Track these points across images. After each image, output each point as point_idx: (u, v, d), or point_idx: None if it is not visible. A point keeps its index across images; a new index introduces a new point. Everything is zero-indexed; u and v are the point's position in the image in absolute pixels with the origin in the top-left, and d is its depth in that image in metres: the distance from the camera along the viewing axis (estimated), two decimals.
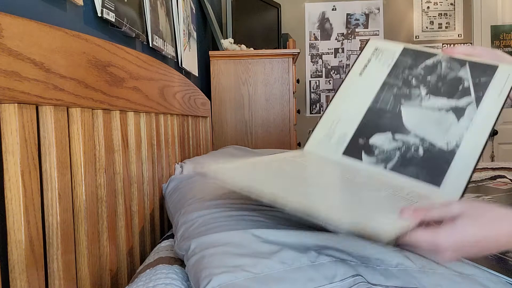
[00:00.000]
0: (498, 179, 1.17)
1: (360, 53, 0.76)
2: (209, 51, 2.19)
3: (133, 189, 0.86)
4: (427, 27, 3.57)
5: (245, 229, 0.60)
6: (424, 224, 0.48)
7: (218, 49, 2.32)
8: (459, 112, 0.63)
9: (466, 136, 0.61)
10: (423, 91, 0.67)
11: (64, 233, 0.57)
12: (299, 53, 2.23)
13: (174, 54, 1.56)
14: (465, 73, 0.66)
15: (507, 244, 0.46)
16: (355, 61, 0.75)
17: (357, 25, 3.60)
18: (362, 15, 3.59)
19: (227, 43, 2.25)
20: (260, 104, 2.22)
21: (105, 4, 0.90)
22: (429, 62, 0.70)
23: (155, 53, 1.35)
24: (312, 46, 3.61)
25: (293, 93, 2.24)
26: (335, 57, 3.61)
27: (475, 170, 0.58)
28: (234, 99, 2.22)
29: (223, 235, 0.59)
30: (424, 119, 0.65)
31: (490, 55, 0.70)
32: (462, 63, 0.68)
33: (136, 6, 1.12)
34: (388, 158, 0.64)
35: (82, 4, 0.83)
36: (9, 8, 0.60)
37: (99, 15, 0.88)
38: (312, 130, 0.71)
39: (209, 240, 0.58)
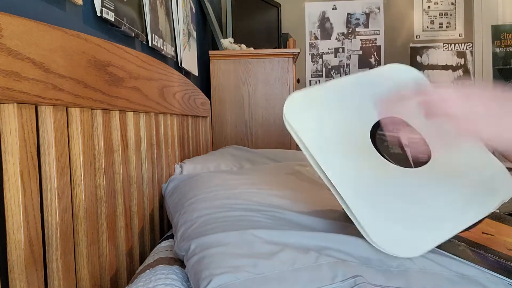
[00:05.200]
0: None
1: None
2: (209, 51, 2.19)
3: (133, 189, 0.86)
4: (427, 27, 3.57)
5: (245, 230, 0.59)
6: None
7: (218, 49, 2.32)
8: None
9: None
10: None
11: (64, 234, 0.57)
12: (299, 52, 2.23)
13: (173, 54, 1.56)
14: None
15: None
16: None
17: (357, 24, 3.60)
18: (362, 14, 3.59)
19: (227, 42, 2.24)
20: (260, 104, 2.21)
21: (105, 4, 0.90)
22: None
23: (155, 52, 1.34)
24: (312, 46, 3.61)
25: None
26: (335, 56, 3.61)
27: None
28: (234, 99, 2.22)
29: (223, 235, 0.59)
30: None
31: None
32: None
33: (136, 5, 1.11)
34: None
35: (82, 3, 0.83)
36: (9, 8, 0.60)
37: (99, 14, 0.88)
38: None
39: (209, 241, 0.58)
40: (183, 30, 1.71)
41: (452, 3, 3.55)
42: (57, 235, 0.55)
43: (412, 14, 3.57)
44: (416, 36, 3.58)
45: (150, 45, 1.24)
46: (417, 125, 0.65)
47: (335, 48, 3.61)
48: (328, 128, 0.60)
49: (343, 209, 0.72)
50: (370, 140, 0.62)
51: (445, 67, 3.58)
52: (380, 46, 3.59)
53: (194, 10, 2.02)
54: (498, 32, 3.51)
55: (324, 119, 0.61)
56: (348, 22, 3.60)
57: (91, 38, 0.65)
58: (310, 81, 3.61)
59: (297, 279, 0.49)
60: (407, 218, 0.55)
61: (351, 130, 0.62)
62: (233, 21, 2.43)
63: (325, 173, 0.56)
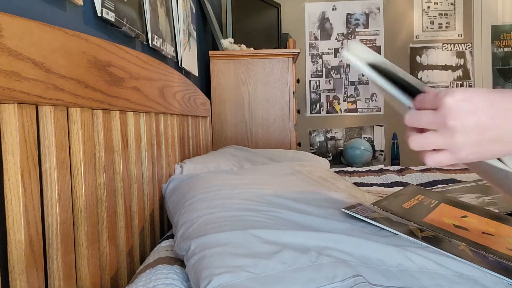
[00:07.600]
0: None
1: None
2: (209, 51, 2.19)
3: (133, 189, 0.86)
4: (427, 27, 3.57)
5: (245, 229, 0.60)
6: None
7: (218, 49, 2.32)
8: None
9: None
10: None
11: (64, 233, 0.57)
12: (299, 53, 2.23)
13: (174, 54, 1.56)
14: None
15: None
16: None
17: (357, 24, 3.60)
18: (362, 14, 3.59)
19: (227, 43, 2.24)
20: (260, 104, 2.21)
21: (105, 4, 0.90)
22: None
23: (155, 53, 1.34)
24: (312, 46, 3.61)
25: (293, 93, 2.24)
26: (335, 57, 3.61)
27: None
28: (234, 99, 2.22)
29: (223, 235, 0.59)
30: None
31: None
32: None
33: (136, 6, 1.12)
34: None
35: (82, 4, 0.83)
36: (9, 8, 0.60)
37: (99, 15, 0.88)
38: None
39: (209, 240, 0.58)
40: (183, 30, 1.71)
41: (451, 3, 3.56)
42: (58, 235, 0.56)
43: (412, 14, 3.57)
44: (416, 36, 3.58)
45: (150, 45, 1.24)
46: None
47: (334, 48, 3.61)
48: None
49: (343, 208, 0.72)
50: None
51: (445, 67, 3.59)
52: (380, 46, 3.59)
53: (194, 10, 2.03)
54: (497, 32, 3.51)
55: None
56: (348, 22, 3.60)
57: (91, 38, 0.66)
58: (310, 81, 3.61)
59: (297, 279, 0.49)
60: None
61: None
62: (233, 21, 2.43)
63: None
